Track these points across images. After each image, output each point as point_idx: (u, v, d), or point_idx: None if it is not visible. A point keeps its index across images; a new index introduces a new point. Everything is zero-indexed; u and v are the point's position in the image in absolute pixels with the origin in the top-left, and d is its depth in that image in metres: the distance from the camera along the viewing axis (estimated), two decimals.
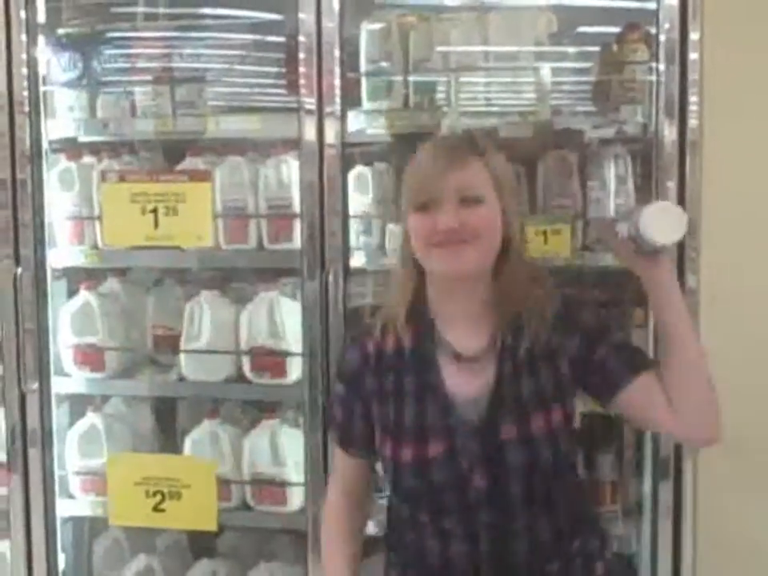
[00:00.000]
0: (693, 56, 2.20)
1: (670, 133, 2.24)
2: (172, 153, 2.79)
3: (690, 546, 2.31)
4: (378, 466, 1.84)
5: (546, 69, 2.35)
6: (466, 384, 1.66)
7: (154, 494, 2.58)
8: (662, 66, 2.22)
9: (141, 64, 2.74)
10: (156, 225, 2.47)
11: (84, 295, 2.69)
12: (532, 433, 1.62)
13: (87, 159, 2.75)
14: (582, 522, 1.79)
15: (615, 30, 2.39)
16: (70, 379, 2.70)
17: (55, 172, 2.66)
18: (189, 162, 2.62)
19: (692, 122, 2.22)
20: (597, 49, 2.42)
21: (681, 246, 2.23)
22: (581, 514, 1.79)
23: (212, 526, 2.57)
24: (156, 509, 2.58)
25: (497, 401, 1.63)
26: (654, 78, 2.25)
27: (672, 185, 2.24)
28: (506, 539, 1.65)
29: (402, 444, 1.66)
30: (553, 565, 1.70)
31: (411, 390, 1.68)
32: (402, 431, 1.67)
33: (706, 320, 2.24)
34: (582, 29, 2.52)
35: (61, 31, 2.69)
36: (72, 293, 2.74)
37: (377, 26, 2.43)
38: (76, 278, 2.75)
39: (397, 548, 1.81)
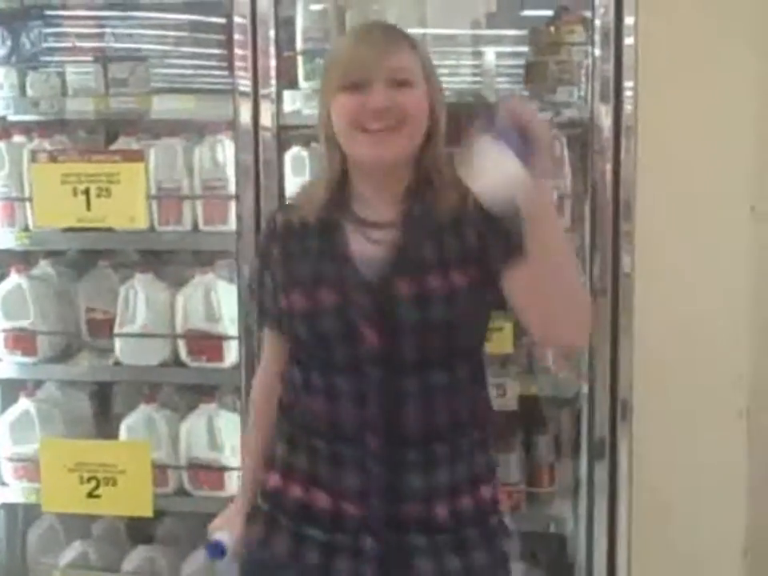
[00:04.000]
0: (628, 41, 2.21)
1: (605, 117, 2.25)
2: (105, 133, 2.74)
3: (625, 525, 2.34)
4: None
5: (488, 52, 2.35)
6: (369, 248, 1.62)
7: (89, 479, 2.55)
8: (597, 51, 2.23)
9: (72, 42, 2.68)
10: (88, 206, 2.42)
11: (15, 278, 2.65)
12: (427, 291, 1.57)
13: (17, 139, 2.70)
14: (477, 421, 1.70)
15: (552, 12, 2.40)
16: (1, 364, 2.65)
17: None
18: (122, 143, 2.59)
19: (627, 107, 2.23)
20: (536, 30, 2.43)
21: (615, 228, 2.26)
22: (477, 411, 1.71)
23: (147, 512, 2.55)
24: (91, 495, 2.55)
25: (395, 260, 1.60)
26: (589, 61, 2.26)
27: (608, 167, 2.26)
28: (396, 402, 1.60)
29: (294, 292, 1.63)
30: (442, 446, 1.64)
31: (312, 250, 1.66)
32: (296, 281, 1.64)
33: (640, 301, 2.27)
34: (521, 12, 2.52)
35: None
36: (2, 276, 2.69)
37: (313, 5, 2.41)
38: (7, 260, 2.70)
39: (287, 413, 1.74)
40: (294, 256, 1.67)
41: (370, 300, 1.58)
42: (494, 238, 1.58)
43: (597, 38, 2.22)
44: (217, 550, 1.75)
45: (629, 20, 2.19)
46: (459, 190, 1.58)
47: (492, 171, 1.37)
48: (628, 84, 2.22)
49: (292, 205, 1.78)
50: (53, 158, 2.46)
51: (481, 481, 1.69)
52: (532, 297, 1.56)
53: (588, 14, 2.25)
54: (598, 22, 2.21)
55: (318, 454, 1.66)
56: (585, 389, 2.35)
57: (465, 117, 2.32)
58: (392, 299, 1.58)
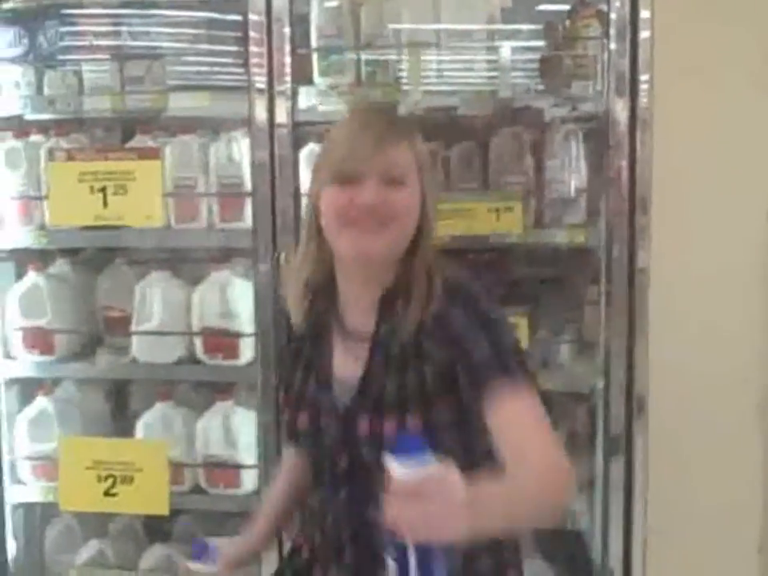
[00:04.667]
0: (644, 34, 2.21)
1: (621, 111, 2.24)
2: (122, 131, 2.75)
3: (641, 522, 2.34)
4: None
5: (504, 47, 2.35)
6: (347, 365, 1.61)
7: (106, 478, 2.55)
8: (612, 45, 2.23)
9: (89, 41, 2.69)
10: (105, 204, 2.43)
11: (32, 277, 2.65)
12: (383, 434, 1.53)
13: (35, 137, 2.71)
14: None
15: (568, 7, 2.39)
16: (18, 363, 2.67)
17: (2, 150, 2.62)
18: (138, 140, 2.59)
19: (643, 100, 2.23)
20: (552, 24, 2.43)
21: (631, 224, 2.25)
22: None
23: (164, 510, 2.55)
24: (107, 493, 2.55)
25: (360, 393, 1.58)
26: (605, 55, 2.25)
27: (624, 163, 2.25)
28: (365, 527, 1.55)
29: (285, 407, 1.68)
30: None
31: (306, 357, 1.68)
32: (289, 395, 1.68)
33: (656, 297, 2.26)
34: (536, 6, 2.52)
35: (6, 6, 2.63)
36: (20, 275, 2.70)
37: (328, 2, 2.41)
38: (24, 259, 2.71)
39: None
40: (292, 361, 1.71)
41: (338, 430, 1.59)
42: (461, 370, 1.52)
43: (612, 31, 2.22)
44: (201, 551, 1.78)
45: (644, 13, 2.19)
46: (427, 303, 1.54)
47: None
48: (644, 78, 2.21)
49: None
50: (70, 157, 2.46)
51: None
52: None
53: (604, 7, 2.25)
54: (613, 16, 2.21)
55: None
56: (600, 384, 2.35)
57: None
58: (354, 435, 1.57)
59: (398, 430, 1.51)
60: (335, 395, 1.61)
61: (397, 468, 1.21)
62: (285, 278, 1.73)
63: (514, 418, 1.44)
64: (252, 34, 2.33)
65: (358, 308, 1.62)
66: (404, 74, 2.41)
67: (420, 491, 1.17)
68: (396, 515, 1.17)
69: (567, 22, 2.35)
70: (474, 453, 1.54)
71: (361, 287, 1.61)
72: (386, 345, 1.58)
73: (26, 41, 2.61)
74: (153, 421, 2.63)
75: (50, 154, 2.51)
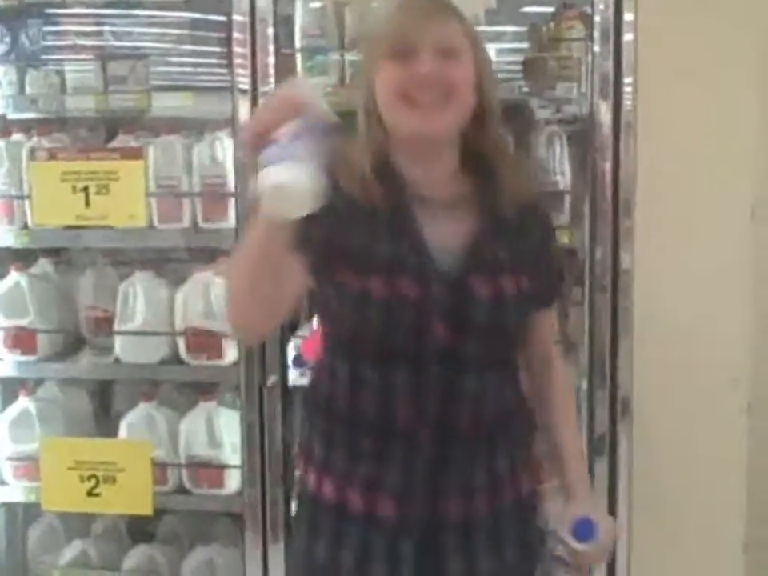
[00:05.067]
0: (627, 37, 2.21)
1: (605, 114, 2.25)
2: (106, 131, 2.74)
3: (625, 521, 2.34)
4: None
5: (489, 48, 2.34)
6: (441, 233, 1.56)
7: (89, 478, 2.54)
8: (596, 47, 2.23)
9: (72, 40, 2.68)
10: (87, 204, 2.42)
11: (14, 276, 2.64)
12: (502, 293, 1.54)
13: (17, 137, 2.69)
14: (518, 417, 1.69)
15: (552, 9, 2.40)
16: (0, 363, 2.65)
17: None
18: (121, 140, 2.58)
19: (627, 103, 2.23)
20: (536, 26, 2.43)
21: (615, 225, 2.26)
22: (518, 407, 1.69)
23: (147, 510, 2.54)
24: (90, 493, 2.54)
25: (473, 255, 1.55)
26: (589, 57, 2.25)
27: (608, 165, 2.26)
28: (452, 400, 1.56)
29: (371, 276, 1.52)
30: (485, 442, 1.61)
31: (385, 229, 1.54)
32: (372, 263, 1.53)
33: (640, 298, 2.27)
34: (520, 8, 2.52)
35: None
36: (2, 274, 2.68)
37: (312, 3, 2.40)
38: (6, 259, 2.70)
39: (325, 406, 1.65)
40: (363, 228, 1.55)
41: (447, 294, 1.53)
42: (542, 274, 1.64)
43: (596, 34, 2.22)
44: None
45: (628, 16, 2.20)
46: (520, 187, 1.60)
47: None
48: (627, 80, 2.22)
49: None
50: (52, 156, 2.45)
51: (521, 476, 1.67)
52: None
53: (588, 10, 2.25)
54: (597, 18, 2.22)
55: (359, 451, 1.60)
56: (585, 385, 2.35)
57: None
58: (468, 297, 1.54)
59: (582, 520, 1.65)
60: (438, 263, 1.55)
61: (576, 544, 1.62)
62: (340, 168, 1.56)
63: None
64: (236, 34, 2.32)
65: (429, 184, 1.58)
66: None
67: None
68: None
69: (551, 24, 2.35)
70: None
71: (426, 165, 1.59)
72: (491, 213, 1.58)
73: (8, 39, 2.60)
74: (136, 421, 2.62)
75: (32, 153, 2.50)
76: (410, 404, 1.55)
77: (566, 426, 1.76)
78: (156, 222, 2.52)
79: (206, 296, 2.54)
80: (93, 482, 2.54)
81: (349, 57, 2.41)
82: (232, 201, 2.43)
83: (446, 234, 1.56)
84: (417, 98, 1.50)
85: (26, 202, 2.57)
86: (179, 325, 2.55)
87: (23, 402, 2.68)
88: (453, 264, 1.55)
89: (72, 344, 2.73)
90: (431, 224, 1.56)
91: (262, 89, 2.32)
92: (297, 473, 1.77)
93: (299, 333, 2.50)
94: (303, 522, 1.69)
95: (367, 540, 1.60)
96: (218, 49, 2.51)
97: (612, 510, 2.34)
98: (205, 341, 2.53)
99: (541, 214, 1.70)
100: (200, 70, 2.65)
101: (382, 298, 1.51)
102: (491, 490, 1.62)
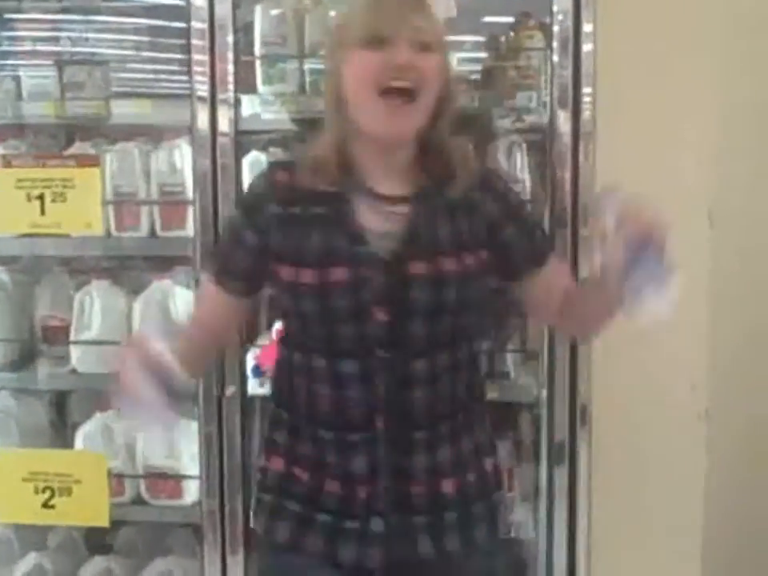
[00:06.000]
0: (586, 47, 2.22)
1: (564, 123, 2.26)
2: (66, 138, 2.71)
3: (585, 529, 2.35)
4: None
5: (451, 57, 2.35)
6: (378, 221, 1.59)
7: (44, 489, 2.50)
8: (555, 57, 2.24)
9: (28, 45, 2.64)
10: (42, 211, 2.38)
11: None
12: (441, 272, 1.56)
13: None
14: (474, 396, 1.72)
15: (511, 19, 2.41)
16: None
17: None
18: (78, 147, 2.55)
19: (586, 112, 2.24)
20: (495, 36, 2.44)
21: (574, 234, 2.27)
22: (474, 387, 1.72)
23: (104, 522, 2.51)
24: (45, 505, 2.50)
25: (409, 237, 1.57)
26: (549, 67, 2.26)
27: (567, 174, 2.27)
28: (403, 385, 1.58)
29: (302, 268, 1.57)
30: (445, 424, 1.64)
31: (319, 218, 1.59)
32: (303, 255, 1.57)
33: None
34: (481, 18, 2.53)
35: None
36: None
37: (271, 10, 2.39)
38: None
39: (286, 403, 1.70)
40: (296, 223, 1.60)
41: (382, 277, 1.55)
42: (519, 241, 1.67)
43: (555, 44, 2.23)
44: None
45: (587, 27, 2.21)
46: (468, 170, 1.62)
47: (650, 304, 1.41)
48: (587, 90, 2.23)
49: (292, 164, 1.66)
50: (6, 163, 2.41)
51: (484, 454, 1.71)
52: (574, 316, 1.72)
53: (547, 20, 2.26)
54: (556, 29, 2.22)
55: (324, 441, 1.63)
56: (544, 394, 2.36)
57: None
58: (405, 279, 1.55)
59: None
60: (372, 247, 1.57)
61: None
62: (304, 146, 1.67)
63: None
64: (195, 41, 2.30)
65: (385, 176, 1.61)
66: None
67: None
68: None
69: (511, 34, 2.36)
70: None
71: (386, 158, 1.60)
72: (430, 201, 1.60)
73: None
74: (93, 432, 2.58)
75: None
76: (361, 392, 1.58)
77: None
78: (113, 230, 2.50)
79: (164, 305, 2.52)
80: (48, 493, 2.50)
81: (308, 65, 2.40)
82: (190, 209, 2.40)
83: (386, 223, 1.59)
84: (391, 85, 1.50)
85: None
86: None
87: None
88: (389, 248, 1.57)
89: (27, 354, 2.69)
90: (372, 215, 1.59)
91: (220, 96, 2.31)
92: (257, 475, 1.78)
93: (258, 342, 2.49)
94: (266, 508, 1.71)
95: (339, 522, 1.63)
96: (177, 56, 2.49)
97: (572, 518, 2.35)
98: None
99: (492, 187, 1.68)
100: (159, 76, 2.62)
101: (312, 287, 1.56)
102: (456, 471, 1.66)
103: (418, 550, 1.63)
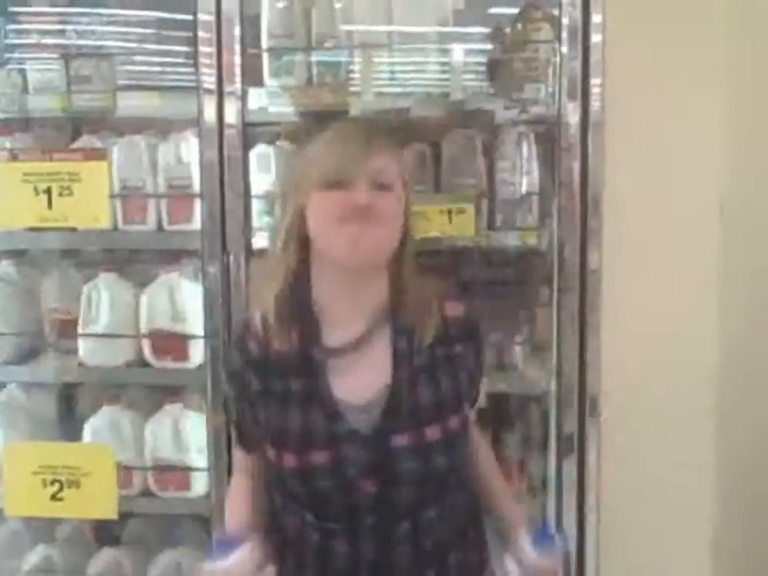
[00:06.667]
0: (595, 38, 2.21)
1: (573, 114, 2.25)
2: (72, 131, 2.70)
3: (594, 521, 2.35)
4: None
5: (456, 49, 2.35)
6: (355, 386, 1.60)
7: (52, 482, 2.51)
8: (564, 48, 2.23)
9: (34, 38, 2.64)
10: (50, 205, 2.38)
11: None
12: (426, 441, 1.58)
13: None
14: (465, 534, 1.75)
15: (518, 10, 2.39)
16: None
17: None
18: (85, 141, 2.54)
19: (594, 104, 2.23)
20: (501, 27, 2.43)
21: (582, 225, 2.26)
22: (465, 526, 1.75)
23: (112, 515, 2.51)
24: (54, 498, 2.51)
25: (391, 410, 1.59)
26: (557, 59, 2.25)
27: (575, 165, 2.26)
28: (389, 544, 1.61)
29: (284, 451, 1.61)
30: (430, 571, 1.67)
31: (296, 394, 1.62)
32: (285, 437, 1.61)
33: (608, 298, 2.27)
34: (488, 9, 2.51)
35: None
36: None
37: (278, 2, 2.38)
38: None
39: (279, 531, 1.72)
40: (277, 401, 1.63)
41: (365, 453, 1.57)
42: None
43: (564, 35, 2.22)
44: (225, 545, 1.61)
45: (596, 18, 2.20)
46: (432, 312, 1.64)
47: None
48: (595, 81, 2.22)
49: (249, 321, 1.70)
50: (13, 157, 2.41)
51: (468, 545, 1.73)
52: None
53: (555, 11, 2.25)
54: (565, 20, 2.22)
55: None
56: (553, 386, 2.36)
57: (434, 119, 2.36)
58: (390, 452, 1.57)
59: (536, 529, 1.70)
60: (349, 421, 1.59)
61: (532, 554, 1.64)
62: (253, 301, 1.75)
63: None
64: (201, 33, 2.29)
65: (345, 320, 1.63)
66: (355, 75, 2.39)
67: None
68: None
69: (518, 26, 2.35)
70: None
71: (351, 295, 1.63)
72: (408, 359, 1.62)
73: None
74: (101, 424, 2.59)
75: None
76: (347, 547, 1.62)
77: (497, 477, 1.87)
78: (120, 224, 2.49)
79: (171, 298, 2.52)
80: (56, 486, 2.51)
81: (315, 57, 2.39)
82: (197, 202, 2.40)
83: (360, 386, 1.60)
84: (353, 219, 1.54)
85: None
86: (144, 327, 2.52)
87: None
88: (369, 421, 1.59)
89: (35, 347, 2.70)
90: (345, 376, 1.61)
91: (227, 88, 2.30)
92: None
93: None
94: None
95: None
96: (183, 48, 2.48)
97: (581, 508, 2.35)
98: (170, 343, 2.50)
99: (477, 338, 1.73)
100: (165, 69, 2.61)
101: (294, 471, 1.61)
102: (438, 557, 1.68)
103: None
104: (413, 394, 1.60)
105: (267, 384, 1.65)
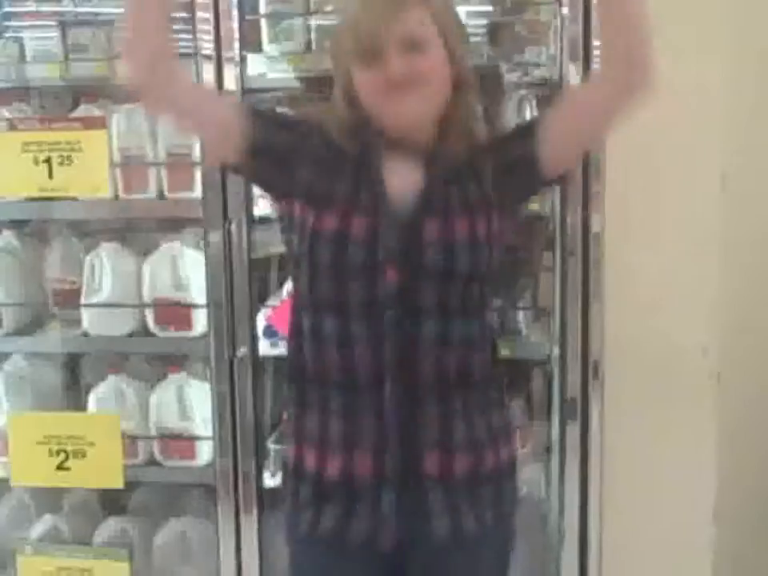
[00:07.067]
0: None
1: (574, 77, 2.23)
2: (72, 100, 2.69)
3: (597, 486, 2.35)
4: None
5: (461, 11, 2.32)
6: (401, 179, 1.60)
7: (58, 452, 2.52)
8: (565, 9, 2.21)
9: (31, 6, 2.62)
10: (50, 175, 2.37)
11: None
12: (454, 236, 1.58)
13: None
14: (489, 378, 1.71)
15: None
16: None
17: None
18: (83, 109, 2.53)
19: (595, 66, 2.21)
20: None
21: (585, 190, 2.25)
22: (488, 368, 1.70)
23: (118, 484, 2.53)
24: (60, 468, 2.52)
25: (424, 199, 1.60)
26: (558, 20, 2.23)
27: None
28: (412, 348, 1.58)
29: (325, 212, 1.58)
30: (458, 400, 1.64)
31: (348, 171, 1.62)
32: (329, 201, 1.59)
33: (610, 261, 2.26)
34: None
35: None
36: None
37: None
38: None
39: (296, 372, 1.69)
40: (330, 166, 1.62)
41: (397, 236, 1.57)
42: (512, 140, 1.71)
43: None
44: None
45: None
46: (471, 138, 1.65)
47: None
48: (597, 43, 2.19)
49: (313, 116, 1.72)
50: (12, 126, 2.40)
51: (500, 441, 1.69)
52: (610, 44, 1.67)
53: None
54: None
55: (331, 409, 1.62)
56: (556, 351, 2.35)
57: None
58: (418, 241, 1.57)
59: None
60: (392, 206, 1.59)
61: None
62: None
63: None
64: None
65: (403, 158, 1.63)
66: None
67: None
68: None
69: None
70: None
71: (404, 141, 1.63)
72: (441, 162, 1.62)
73: None
74: (105, 394, 2.60)
75: None
76: (369, 353, 1.58)
77: None
78: (121, 193, 2.49)
79: (173, 267, 2.52)
80: (62, 456, 2.52)
81: (315, 21, 2.37)
82: (198, 170, 2.39)
83: (404, 180, 1.60)
84: (396, 87, 1.53)
85: None
86: (147, 296, 2.52)
87: None
88: (407, 208, 1.59)
89: (39, 317, 2.70)
90: (394, 171, 1.61)
91: (226, 54, 2.29)
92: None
93: (269, 303, 2.49)
94: (287, 497, 1.72)
95: (348, 504, 1.62)
96: (180, 14, 2.45)
97: (584, 475, 2.35)
98: (173, 312, 2.50)
99: (491, 144, 1.71)
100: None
101: (332, 233, 1.57)
102: (471, 451, 1.64)
103: (432, 530, 1.62)
104: (443, 191, 1.61)
105: (327, 147, 1.63)
